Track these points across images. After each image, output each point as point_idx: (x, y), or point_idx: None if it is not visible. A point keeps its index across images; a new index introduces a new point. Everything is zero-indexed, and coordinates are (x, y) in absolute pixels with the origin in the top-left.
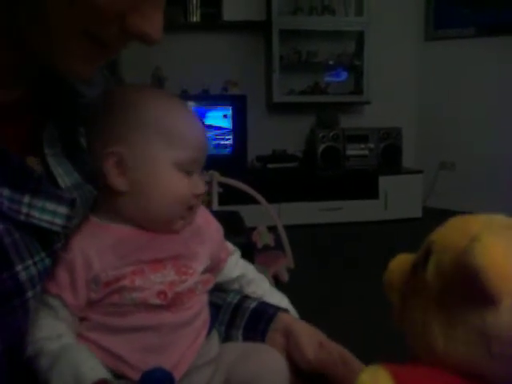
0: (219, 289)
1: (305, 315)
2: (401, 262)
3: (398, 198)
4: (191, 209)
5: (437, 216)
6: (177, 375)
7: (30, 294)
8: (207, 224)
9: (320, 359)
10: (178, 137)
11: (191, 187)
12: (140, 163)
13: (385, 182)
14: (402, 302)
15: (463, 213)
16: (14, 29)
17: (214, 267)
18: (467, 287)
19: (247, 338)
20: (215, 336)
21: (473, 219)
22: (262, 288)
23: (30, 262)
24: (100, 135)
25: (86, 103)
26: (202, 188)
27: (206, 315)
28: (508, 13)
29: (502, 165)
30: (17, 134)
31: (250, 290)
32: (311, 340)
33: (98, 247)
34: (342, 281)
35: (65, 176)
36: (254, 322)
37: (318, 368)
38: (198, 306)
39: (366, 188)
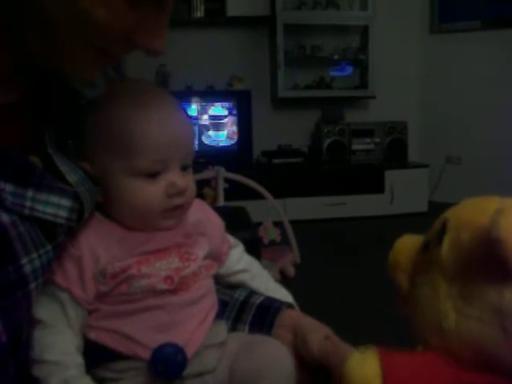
0: (224, 282)
1: (311, 310)
2: (407, 242)
3: (404, 192)
4: (176, 209)
5: (443, 210)
6: (188, 353)
7: (32, 285)
8: (207, 219)
9: (324, 351)
10: (132, 145)
11: (161, 190)
12: (103, 178)
13: (390, 176)
14: (410, 281)
15: None
16: (18, 34)
17: (215, 259)
18: (488, 262)
19: (253, 332)
20: (223, 324)
21: (487, 199)
22: (265, 283)
23: (34, 255)
24: (77, 145)
25: (84, 104)
26: (179, 185)
27: (213, 299)
28: None
29: (508, 159)
30: (18, 133)
31: (254, 284)
32: (317, 334)
33: (104, 242)
34: (348, 276)
35: (71, 173)
36: (260, 316)
37: (322, 359)
38: (204, 289)
39: (371, 182)
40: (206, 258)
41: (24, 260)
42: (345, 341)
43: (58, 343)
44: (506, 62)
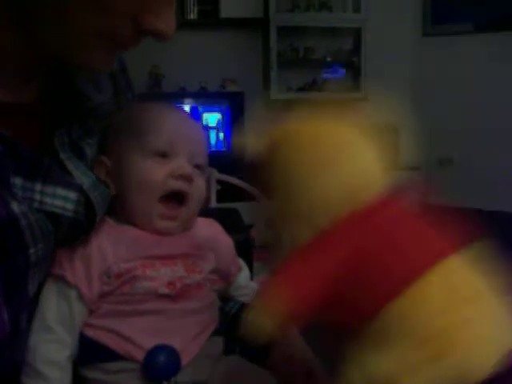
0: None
1: None
2: None
3: None
4: (180, 203)
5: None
6: (182, 361)
7: (30, 272)
8: (216, 238)
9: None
10: (148, 126)
11: (167, 170)
12: (117, 167)
13: None
14: None
15: (461, 209)
16: (30, 26)
17: (223, 279)
18: None
19: (244, 348)
20: (221, 340)
21: None
22: None
23: (40, 245)
24: (99, 145)
25: (93, 107)
26: (185, 169)
27: (214, 313)
28: (506, 8)
29: (500, 160)
30: (33, 135)
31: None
32: (301, 368)
33: (113, 242)
34: None
35: (83, 177)
36: None
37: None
38: (206, 301)
39: None
40: (212, 272)
41: (31, 250)
42: None
43: (49, 350)
44: (499, 65)
